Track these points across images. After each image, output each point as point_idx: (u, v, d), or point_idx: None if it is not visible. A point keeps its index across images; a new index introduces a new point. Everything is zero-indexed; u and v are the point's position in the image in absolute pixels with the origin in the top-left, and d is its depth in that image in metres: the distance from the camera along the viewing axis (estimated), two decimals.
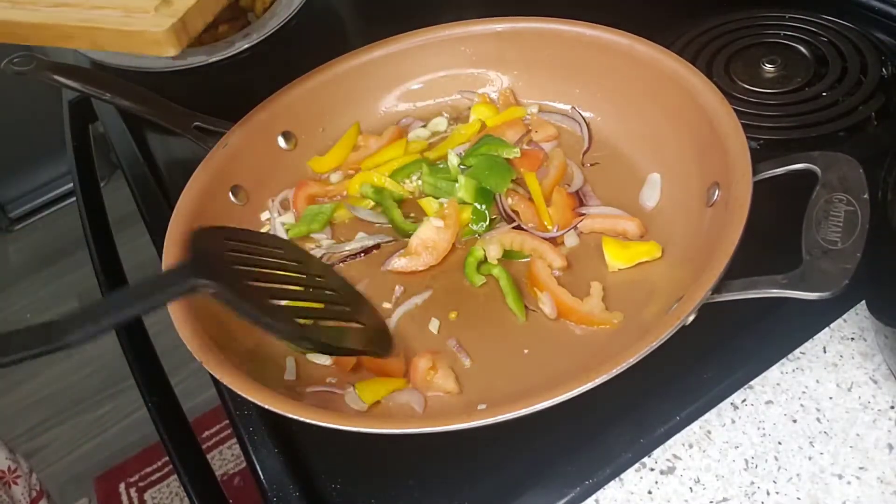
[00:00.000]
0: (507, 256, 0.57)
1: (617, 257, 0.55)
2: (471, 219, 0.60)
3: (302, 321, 0.44)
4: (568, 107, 0.67)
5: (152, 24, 0.55)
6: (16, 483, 0.80)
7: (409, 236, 0.59)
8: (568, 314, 0.53)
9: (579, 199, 0.60)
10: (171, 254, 0.55)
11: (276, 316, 0.43)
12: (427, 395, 0.50)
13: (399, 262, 0.58)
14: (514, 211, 0.60)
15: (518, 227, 0.59)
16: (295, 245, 0.54)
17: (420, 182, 0.64)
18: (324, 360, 0.54)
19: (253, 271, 0.45)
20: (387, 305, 0.57)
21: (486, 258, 0.57)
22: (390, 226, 0.62)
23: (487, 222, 0.59)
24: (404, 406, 0.50)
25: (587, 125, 0.65)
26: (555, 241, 0.58)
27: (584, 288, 0.54)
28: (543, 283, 0.54)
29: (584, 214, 0.59)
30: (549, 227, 0.58)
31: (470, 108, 0.68)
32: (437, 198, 0.62)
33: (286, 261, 0.49)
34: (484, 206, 0.60)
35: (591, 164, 0.63)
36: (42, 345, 0.37)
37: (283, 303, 0.45)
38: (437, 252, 0.58)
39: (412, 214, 0.62)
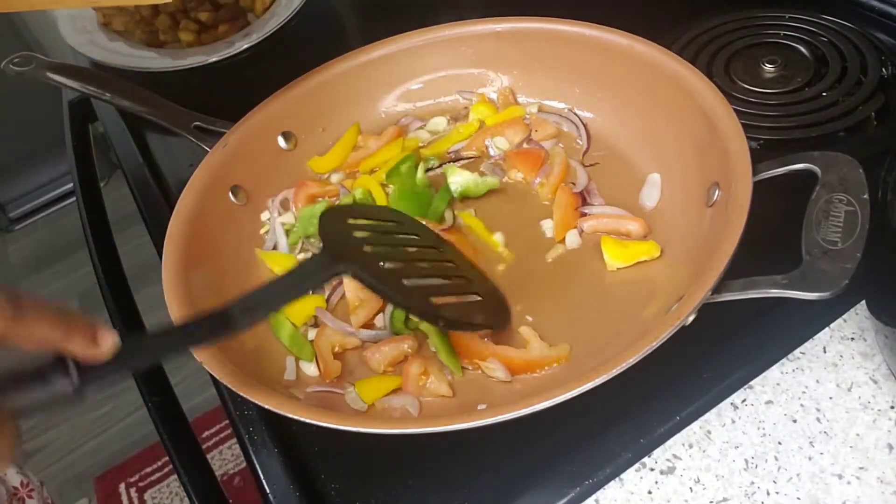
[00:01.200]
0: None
1: (616, 256, 0.54)
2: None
3: (434, 300, 0.47)
4: (567, 107, 0.67)
5: None
6: (30, 497, 0.80)
7: None
8: (521, 368, 0.50)
9: (582, 198, 0.60)
10: (171, 254, 0.55)
11: (411, 297, 0.46)
12: (422, 400, 0.50)
13: (358, 319, 0.55)
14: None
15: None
16: (409, 217, 0.55)
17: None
18: (312, 370, 0.53)
19: (381, 253, 0.48)
20: (379, 323, 0.56)
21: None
22: None
23: None
24: (399, 410, 0.50)
25: (585, 126, 0.65)
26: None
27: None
28: (483, 351, 0.51)
29: (586, 214, 0.59)
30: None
31: (469, 108, 0.69)
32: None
33: (405, 234, 0.52)
34: None
35: (591, 165, 0.63)
36: (223, 331, 0.40)
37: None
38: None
39: None
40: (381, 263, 0.47)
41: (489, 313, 0.51)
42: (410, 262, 0.49)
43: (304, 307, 0.57)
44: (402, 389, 0.51)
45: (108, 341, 0.34)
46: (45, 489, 0.85)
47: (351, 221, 0.49)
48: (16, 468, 0.82)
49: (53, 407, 0.34)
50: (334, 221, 0.48)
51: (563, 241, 0.58)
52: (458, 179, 0.61)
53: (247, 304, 0.41)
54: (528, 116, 0.67)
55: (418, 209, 0.60)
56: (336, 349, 0.54)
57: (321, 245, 0.44)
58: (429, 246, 0.52)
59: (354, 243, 0.47)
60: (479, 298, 0.50)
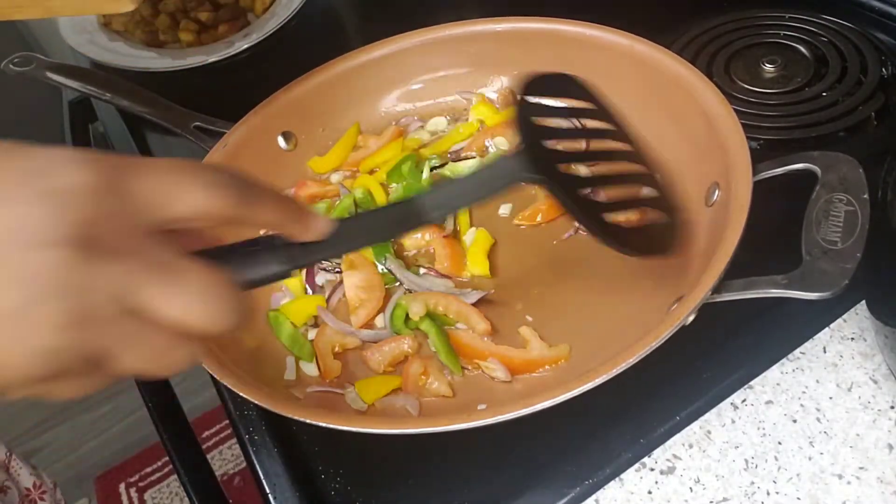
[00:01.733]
0: (432, 319, 0.54)
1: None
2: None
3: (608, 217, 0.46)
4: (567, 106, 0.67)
5: None
6: (42, 499, 0.80)
7: None
8: (521, 368, 0.50)
9: None
10: None
11: (590, 215, 0.45)
12: (422, 400, 0.50)
13: (358, 320, 0.55)
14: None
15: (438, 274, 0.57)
16: (590, 90, 0.54)
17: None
18: (312, 370, 0.53)
19: (579, 177, 0.49)
20: (379, 323, 0.56)
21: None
22: None
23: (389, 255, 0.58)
24: (399, 410, 0.50)
25: (583, 126, 0.65)
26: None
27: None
28: (483, 351, 0.51)
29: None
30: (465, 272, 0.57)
31: (469, 109, 0.69)
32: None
33: (591, 119, 0.52)
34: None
35: (591, 165, 0.63)
36: (414, 223, 0.40)
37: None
38: (380, 288, 0.56)
39: None
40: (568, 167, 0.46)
41: (663, 241, 0.50)
42: (594, 164, 0.51)
43: (304, 307, 0.57)
44: (402, 389, 0.51)
45: (320, 226, 0.36)
46: (58, 491, 0.85)
47: (549, 122, 0.48)
48: (30, 469, 0.82)
49: (264, 284, 0.35)
50: (529, 113, 0.46)
51: (561, 240, 0.58)
52: None
53: (436, 199, 0.41)
54: None
55: None
56: (336, 349, 0.54)
57: (523, 147, 0.42)
58: (610, 132, 0.52)
59: (551, 154, 0.45)
60: (658, 221, 0.50)
